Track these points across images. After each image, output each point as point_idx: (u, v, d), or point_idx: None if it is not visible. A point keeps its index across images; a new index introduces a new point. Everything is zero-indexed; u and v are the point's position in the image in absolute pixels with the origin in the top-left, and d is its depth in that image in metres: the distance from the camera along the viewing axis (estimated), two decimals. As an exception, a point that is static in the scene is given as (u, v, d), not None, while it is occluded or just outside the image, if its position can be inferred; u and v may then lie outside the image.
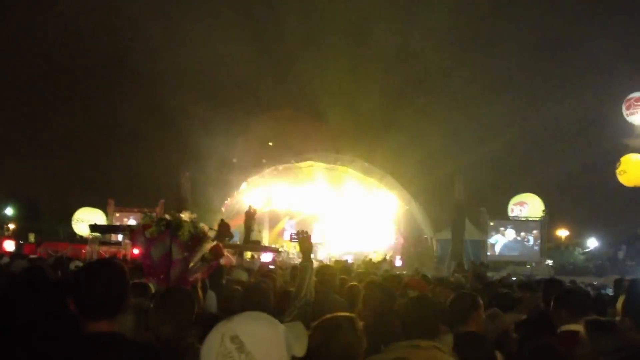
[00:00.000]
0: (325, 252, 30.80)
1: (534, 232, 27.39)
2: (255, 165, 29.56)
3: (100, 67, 27.86)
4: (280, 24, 28.16)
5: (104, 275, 2.64)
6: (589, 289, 10.14)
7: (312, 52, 27.72)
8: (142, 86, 25.82)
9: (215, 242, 5.93)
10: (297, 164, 31.67)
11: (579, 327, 3.92)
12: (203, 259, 5.79)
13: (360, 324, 3.06)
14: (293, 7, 29.19)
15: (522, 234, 27.51)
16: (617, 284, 9.59)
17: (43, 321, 3.33)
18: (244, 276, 8.87)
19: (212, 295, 6.20)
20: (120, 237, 24.59)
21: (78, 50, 27.35)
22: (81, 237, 26.29)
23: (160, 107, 25.10)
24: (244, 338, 1.94)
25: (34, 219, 28.37)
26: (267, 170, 31.10)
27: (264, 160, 30.02)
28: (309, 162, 31.62)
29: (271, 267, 17.88)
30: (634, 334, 3.23)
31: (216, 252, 5.88)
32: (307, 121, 30.12)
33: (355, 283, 6.45)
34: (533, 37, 29.97)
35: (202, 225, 5.87)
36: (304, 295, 3.72)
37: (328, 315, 3.03)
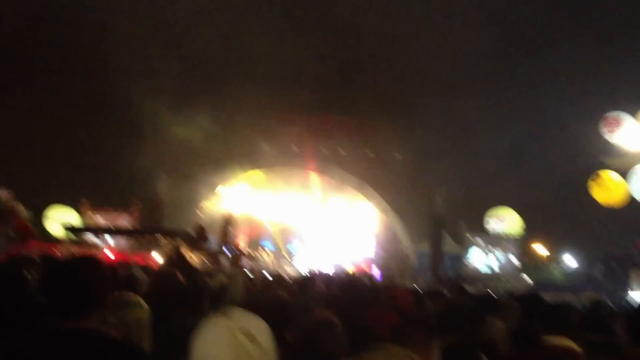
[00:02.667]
0: (304, 263, 30.63)
1: (512, 247, 27.50)
2: (233, 169, 29.27)
3: (75, 59, 27.36)
4: (262, 24, 27.95)
5: (82, 271, 2.62)
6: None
7: (295, 54, 27.52)
8: (120, 83, 25.42)
9: (22, 221, 5.93)
10: (275, 170, 31.53)
11: (561, 341, 3.98)
12: (10, 237, 5.81)
13: (340, 326, 3.12)
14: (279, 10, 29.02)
15: (499, 248, 27.62)
16: (596, 305, 9.59)
17: (18, 316, 3.36)
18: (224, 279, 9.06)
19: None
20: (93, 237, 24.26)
21: (52, 43, 26.83)
22: (52, 235, 25.79)
23: (138, 106, 24.74)
24: (254, 331, 2.11)
25: (4, 216, 27.70)
26: (246, 176, 30.90)
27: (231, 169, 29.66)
28: (286, 168, 31.51)
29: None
30: None
31: (22, 231, 5.88)
32: (286, 127, 29.94)
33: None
34: (511, 52, 30.17)
35: (5, 200, 5.82)
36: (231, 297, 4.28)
37: (307, 320, 3.12)
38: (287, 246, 33.91)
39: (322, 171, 31.28)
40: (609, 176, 22.37)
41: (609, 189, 22.25)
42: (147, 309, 3.41)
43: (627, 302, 15.08)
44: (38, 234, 22.79)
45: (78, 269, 2.64)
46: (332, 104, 30.61)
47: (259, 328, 2.13)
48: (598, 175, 22.43)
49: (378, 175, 29.86)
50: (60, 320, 2.53)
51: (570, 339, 3.99)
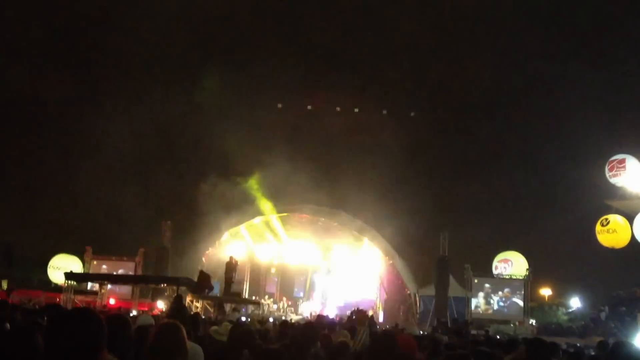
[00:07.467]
0: (308, 307, 30.32)
1: (518, 290, 27.20)
2: (237, 216, 29.20)
3: (76, 109, 27.75)
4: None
5: (77, 326, 2.55)
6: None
7: (296, 105, 27.90)
8: (120, 131, 25.71)
9: None
10: (281, 216, 31.47)
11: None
12: None
13: None
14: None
15: (506, 291, 27.32)
16: (601, 346, 9.46)
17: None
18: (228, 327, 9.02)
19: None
20: (96, 285, 24.15)
21: (53, 91, 27.20)
22: (56, 285, 25.64)
23: (139, 153, 24.95)
24: None
25: (7, 265, 27.62)
26: (250, 222, 30.82)
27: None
28: (292, 213, 31.43)
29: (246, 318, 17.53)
30: None
31: None
32: (292, 174, 30.01)
33: (344, 339, 6.37)
34: (516, 97, 30.45)
35: None
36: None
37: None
38: (293, 292, 33.66)
39: (328, 216, 31.20)
40: (617, 220, 22.32)
41: (616, 232, 22.18)
42: None
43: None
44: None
45: (72, 324, 2.56)
46: (338, 148, 30.85)
47: None
48: (608, 222, 22.35)
49: (384, 220, 29.73)
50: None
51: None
